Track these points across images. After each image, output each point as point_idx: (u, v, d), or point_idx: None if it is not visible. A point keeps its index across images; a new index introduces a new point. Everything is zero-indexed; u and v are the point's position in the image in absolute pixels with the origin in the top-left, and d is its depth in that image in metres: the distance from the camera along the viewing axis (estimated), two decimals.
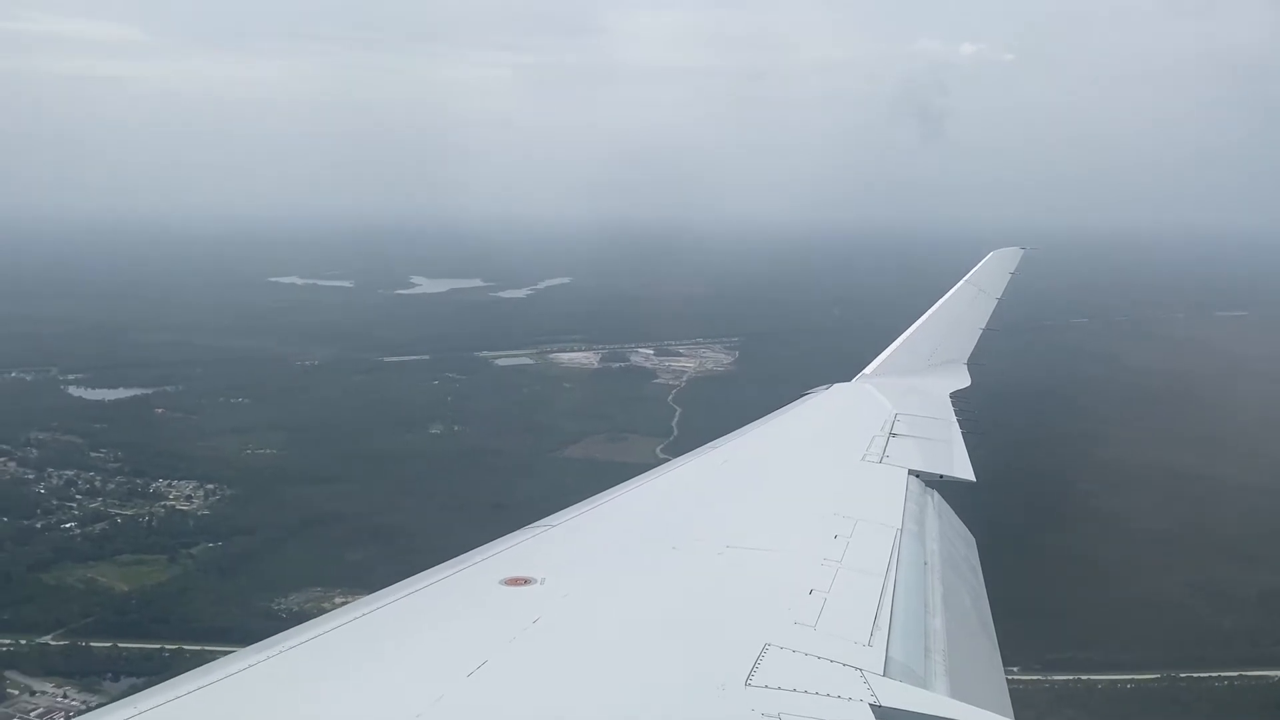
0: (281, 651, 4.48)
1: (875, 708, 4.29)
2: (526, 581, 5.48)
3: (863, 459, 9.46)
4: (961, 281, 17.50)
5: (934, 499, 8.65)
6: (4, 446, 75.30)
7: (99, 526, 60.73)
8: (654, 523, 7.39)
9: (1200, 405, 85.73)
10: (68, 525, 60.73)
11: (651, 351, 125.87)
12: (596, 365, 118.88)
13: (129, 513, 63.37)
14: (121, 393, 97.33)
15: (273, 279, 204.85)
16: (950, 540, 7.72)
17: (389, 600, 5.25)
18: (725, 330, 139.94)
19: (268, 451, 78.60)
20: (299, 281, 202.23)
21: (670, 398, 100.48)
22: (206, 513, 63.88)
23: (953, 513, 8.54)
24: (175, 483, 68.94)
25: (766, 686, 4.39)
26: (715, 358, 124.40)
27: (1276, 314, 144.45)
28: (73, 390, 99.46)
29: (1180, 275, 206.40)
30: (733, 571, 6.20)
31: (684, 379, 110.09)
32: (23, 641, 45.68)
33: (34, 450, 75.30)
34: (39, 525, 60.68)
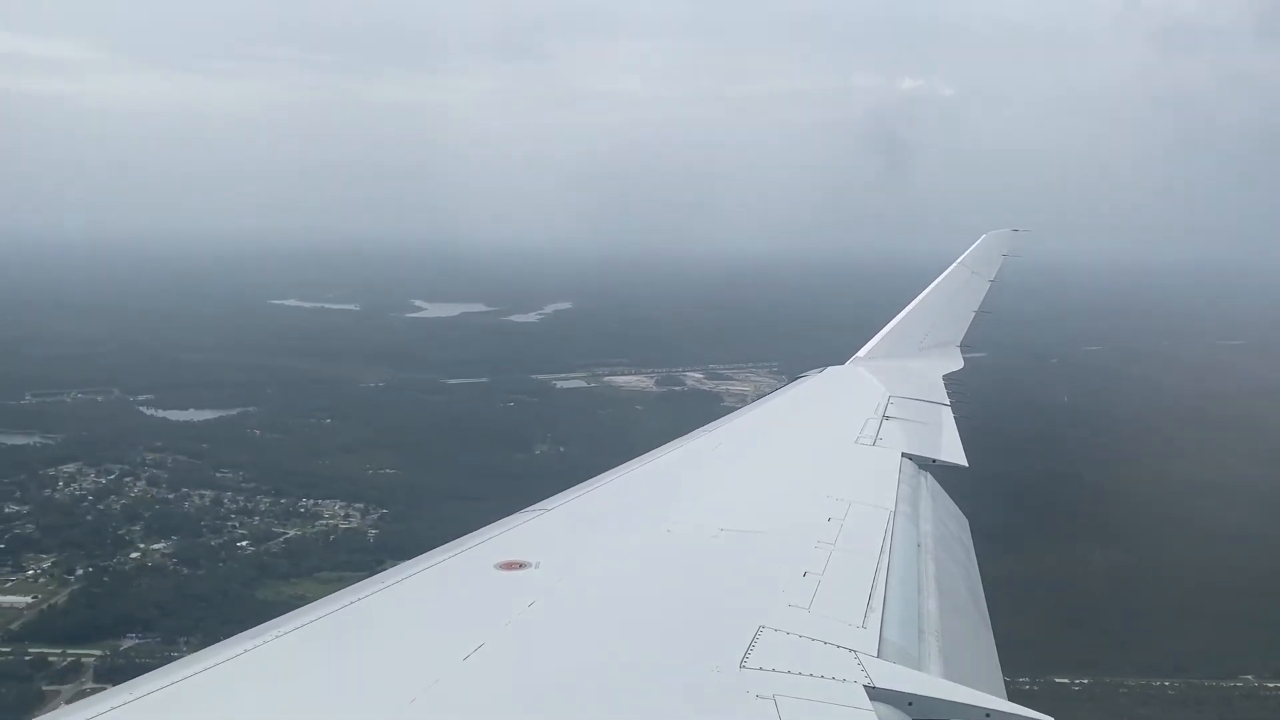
0: (276, 637, 4.50)
1: (869, 688, 4.30)
2: (522, 565, 5.48)
3: (856, 441, 9.54)
4: (955, 264, 17.40)
5: (927, 481, 8.71)
6: (125, 466, 74.33)
7: (274, 545, 60.51)
8: (648, 506, 7.45)
9: (1265, 424, 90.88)
10: (241, 544, 60.42)
11: (701, 375, 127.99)
12: (656, 389, 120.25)
13: (295, 532, 63.14)
14: (200, 414, 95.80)
15: (274, 301, 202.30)
16: (944, 522, 7.80)
17: (384, 585, 5.25)
18: (758, 355, 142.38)
19: (390, 471, 78.44)
20: (304, 305, 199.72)
21: None
22: (375, 531, 63.93)
23: (946, 495, 8.61)
24: (320, 502, 68.79)
25: (761, 668, 4.39)
26: (765, 382, 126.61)
27: (1273, 342, 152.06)
28: (146, 410, 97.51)
29: (1162, 305, 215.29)
30: (727, 554, 6.21)
31: (748, 402, 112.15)
32: None
33: (156, 471, 74.29)
34: (214, 543, 60.22)
